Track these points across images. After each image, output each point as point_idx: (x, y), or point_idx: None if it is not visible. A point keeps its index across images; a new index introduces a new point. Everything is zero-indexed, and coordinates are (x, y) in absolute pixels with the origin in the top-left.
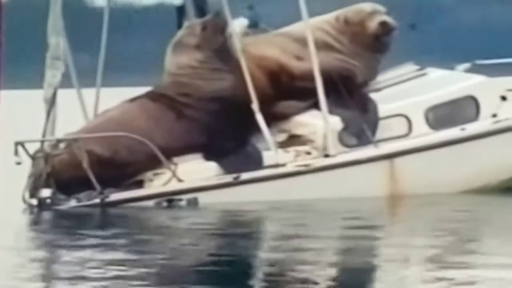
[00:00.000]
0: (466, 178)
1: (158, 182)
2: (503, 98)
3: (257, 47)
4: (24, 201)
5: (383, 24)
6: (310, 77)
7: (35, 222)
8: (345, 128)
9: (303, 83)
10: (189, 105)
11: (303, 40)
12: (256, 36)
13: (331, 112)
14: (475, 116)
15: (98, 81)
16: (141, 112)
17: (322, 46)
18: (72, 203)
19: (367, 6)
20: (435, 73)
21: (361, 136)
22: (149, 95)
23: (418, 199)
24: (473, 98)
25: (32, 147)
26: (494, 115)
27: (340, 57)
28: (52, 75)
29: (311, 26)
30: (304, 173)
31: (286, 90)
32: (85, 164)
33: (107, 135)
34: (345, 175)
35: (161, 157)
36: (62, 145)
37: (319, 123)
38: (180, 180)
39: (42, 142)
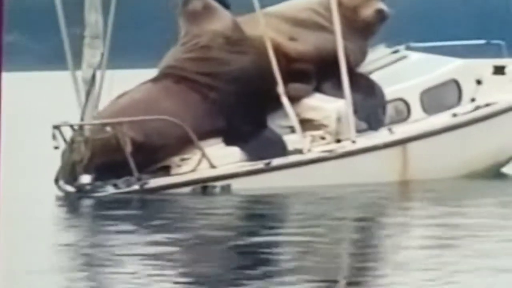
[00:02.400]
0: (472, 161)
1: (186, 168)
2: (478, 82)
3: (248, 27)
4: (59, 187)
5: (379, 12)
6: (306, 58)
7: (78, 210)
8: (355, 113)
9: (300, 65)
10: (212, 87)
11: (294, 20)
12: (243, 16)
13: (335, 95)
14: (458, 100)
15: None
16: (167, 94)
17: (314, 26)
18: (111, 189)
19: None
20: (414, 56)
21: (371, 120)
22: (169, 76)
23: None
24: (456, 82)
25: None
26: (473, 99)
27: (333, 38)
28: (92, 54)
29: (301, 6)
30: (329, 159)
31: (284, 72)
32: (128, 148)
33: (148, 118)
34: (362, 161)
35: (196, 142)
36: (107, 129)
37: (331, 107)
38: (213, 166)
39: (81, 126)
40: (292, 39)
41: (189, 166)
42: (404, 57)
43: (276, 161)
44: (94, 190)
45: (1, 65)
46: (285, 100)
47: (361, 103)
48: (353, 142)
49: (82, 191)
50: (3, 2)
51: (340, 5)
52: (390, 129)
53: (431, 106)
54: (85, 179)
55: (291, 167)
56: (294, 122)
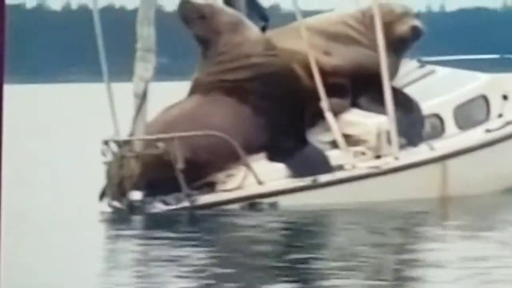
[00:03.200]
0: (508, 176)
1: (231, 184)
2: (505, 97)
3: (281, 40)
4: (109, 204)
5: (414, 28)
6: (342, 73)
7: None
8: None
9: (336, 80)
10: (256, 92)
11: (328, 33)
12: (275, 29)
13: (372, 110)
14: (486, 116)
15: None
16: (216, 107)
17: (347, 40)
18: (161, 206)
19: (398, 7)
20: (442, 71)
21: (410, 136)
22: (218, 88)
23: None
24: (484, 97)
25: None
26: (500, 115)
27: (368, 53)
28: (144, 68)
29: (333, 19)
30: (374, 176)
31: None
32: (180, 165)
33: (197, 134)
34: (405, 177)
35: (244, 158)
36: (159, 144)
37: (372, 122)
38: (260, 183)
39: (129, 141)
40: (326, 53)
41: (235, 183)
42: (432, 71)
43: (323, 178)
44: (144, 207)
45: (3, 75)
46: (329, 115)
47: (400, 118)
48: (396, 158)
49: (132, 208)
50: (4, 4)
51: (372, 20)
52: (430, 145)
53: (463, 122)
54: (136, 195)
55: (338, 184)
56: (339, 137)
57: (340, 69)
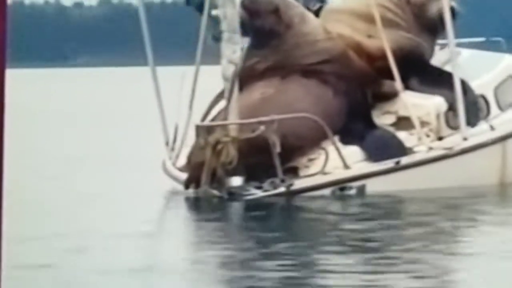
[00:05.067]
0: None
1: (314, 169)
2: None
3: (328, 25)
4: (205, 191)
5: (449, 9)
6: (387, 56)
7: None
8: (451, 109)
9: (384, 63)
10: (336, 77)
11: (367, 16)
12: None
13: (423, 92)
14: None
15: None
16: (300, 90)
17: (387, 23)
18: (258, 192)
19: None
20: (465, 52)
21: (468, 116)
22: (296, 70)
23: None
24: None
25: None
26: None
27: (407, 35)
28: (232, 50)
29: (371, 2)
30: (448, 157)
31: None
32: (278, 149)
33: (295, 116)
34: (473, 158)
35: (334, 142)
36: (262, 128)
37: (431, 103)
38: (347, 167)
39: (224, 125)
40: (370, 36)
41: (317, 167)
42: (458, 53)
43: (404, 160)
44: (242, 193)
45: (5, 63)
46: (404, 96)
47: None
48: (465, 139)
49: (232, 195)
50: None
51: (408, 3)
52: (490, 125)
53: (502, 103)
54: (236, 181)
55: (418, 166)
56: (415, 119)
57: (386, 52)
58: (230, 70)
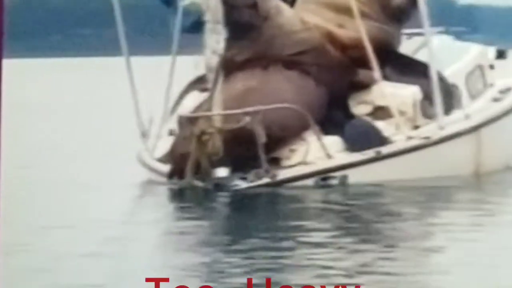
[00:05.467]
0: None
1: (296, 159)
2: (491, 66)
3: (303, 15)
4: (189, 183)
5: None
6: (360, 46)
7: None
8: (427, 98)
9: (357, 52)
10: (317, 67)
11: (336, 6)
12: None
13: (398, 81)
14: (483, 85)
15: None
16: (282, 81)
17: (356, 13)
18: (242, 183)
19: None
20: (436, 40)
21: (443, 105)
22: (278, 62)
23: None
24: (480, 67)
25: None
26: (491, 84)
27: (377, 25)
28: (216, 40)
29: None
30: (426, 147)
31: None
32: (263, 139)
33: (279, 107)
34: (450, 147)
35: (318, 133)
36: (247, 118)
37: (407, 93)
38: (329, 156)
39: (209, 116)
40: (340, 26)
41: (298, 157)
42: (429, 40)
43: (385, 150)
44: (227, 185)
45: (2, 57)
46: (383, 85)
47: (428, 87)
48: (441, 128)
49: (218, 186)
50: None
51: None
52: (464, 113)
53: (472, 91)
54: (222, 172)
55: (399, 155)
56: (394, 108)
57: (358, 41)
58: (214, 60)
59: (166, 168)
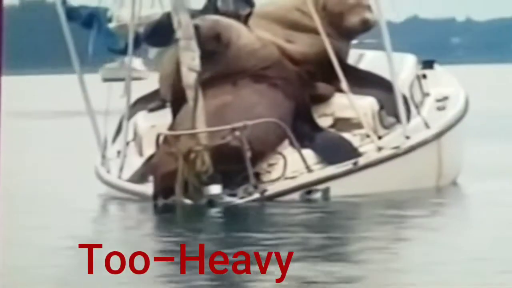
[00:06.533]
0: None
1: (276, 173)
2: (424, 76)
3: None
4: (178, 201)
5: (365, 22)
6: (310, 61)
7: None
8: (382, 108)
9: (306, 67)
10: (284, 80)
11: (284, 21)
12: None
13: (354, 93)
14: (422, 95)
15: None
16: (254, 95)
17: (305, 28)
18: (233, 199)
19: None
20: (369, 53)
21: (397, 115)
22: (246, 77)
23: None
24: (418, 77)
25: None
26: (427, 94)
27: (328, 40)
28: (190, 57)
29: (288, 6)
30: (397, 156)
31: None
32: (249, 154)
33: (262, 121)
34: (417, 156)
35: (297, 145)
36: (237, 134)
37: (366, 104)
38: (310, 170)
39: (193, 134)
40: (289, 41)
41: (278, 172)
42: (362, 54)
43: (361, 160)
44: (220, 201)
45: (1, 68)
46: (350, 96)
47: (385, 98)
48: (407, 137)
49: (211, 203)
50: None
51: (324, 10)
52: (424, 122)
53: (415, 101)
54: (215, 189)
55: (373, 166)
56: (363, 118)
57: (308, 57)
58: (192, 77)
59: (139, 187)
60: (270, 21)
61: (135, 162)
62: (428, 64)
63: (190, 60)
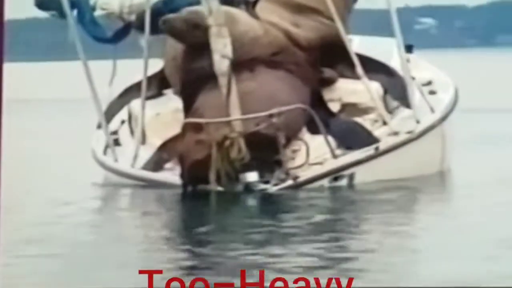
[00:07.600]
0: None
1: (300, 160)
2: (408, 60)
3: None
4: (213, 188)
5: None
6: (316, 46)
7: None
8: (386, 92)
9: (312, 52)
10: (298, 67)
11: (291, 5)
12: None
13: (353, 78)
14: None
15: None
16: (276, 81)
17: (309, 10)
18: (269, 186)
19: None
20: (356, 38)
21: (401, 99)
22: (257, 63)
23: None
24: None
25: None
26: (413, 78)
27: (326, 22)
28: (222, 44)
29: None
30: (410, 141)
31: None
32: (283, 141)
33: (292, 107)
34: (426, 141)
35: (324, 132)
36: (264, 123)
37: (372, 88)
38: (335, 156)
39: (227, 121)
40: (295, 25)
41: (301, 158)
42: (350, 39)
43: (382, 145)
44: (256, 188)
45: (2, 60)
46: (365, 81)
47: (387, 82)
48: (418, 122)
49: (248, 190)
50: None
51: None
52: (429, 106)
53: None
54: (251, 176)
55: (392, 151)
56: (378, 103)
57: (312, 42)
58: (225, 64)
59: (155, 176)
60: (278, 5)
61: (128, 149)
62: (407, 49)
63: (222, 46)
